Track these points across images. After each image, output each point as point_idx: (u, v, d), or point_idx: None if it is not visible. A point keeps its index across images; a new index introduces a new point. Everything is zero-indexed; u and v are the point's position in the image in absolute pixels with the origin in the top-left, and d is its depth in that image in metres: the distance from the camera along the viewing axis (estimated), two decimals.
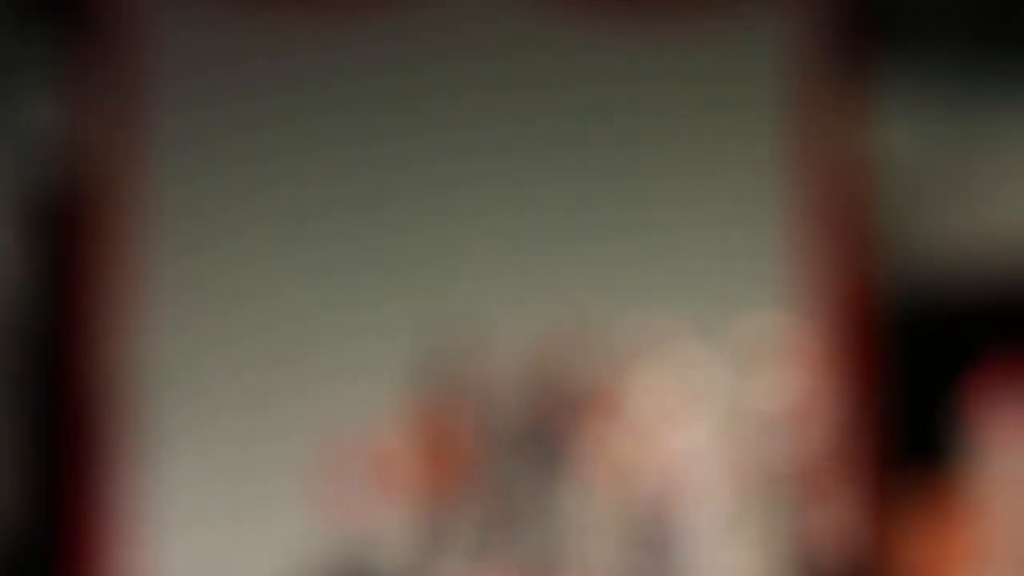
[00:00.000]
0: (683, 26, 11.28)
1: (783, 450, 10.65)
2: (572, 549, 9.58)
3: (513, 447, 9.63)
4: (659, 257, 10.87)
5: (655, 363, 9.61)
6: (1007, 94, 11.52)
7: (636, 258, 10.83)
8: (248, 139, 11.03)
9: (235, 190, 10.94)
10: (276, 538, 10.06)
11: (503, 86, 11.07)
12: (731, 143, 11.35)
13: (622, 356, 9.67)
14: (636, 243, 10.93)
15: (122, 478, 10.59)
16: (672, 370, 9.66)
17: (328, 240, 10.80)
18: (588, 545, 9.65)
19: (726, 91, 11.30)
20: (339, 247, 10.84)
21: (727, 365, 10.20)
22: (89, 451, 10.62)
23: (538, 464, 9.55)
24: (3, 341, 10.01)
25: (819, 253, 11.28)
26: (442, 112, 11.01)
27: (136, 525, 10.56)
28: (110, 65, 10.74)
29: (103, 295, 10.71)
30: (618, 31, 11.08)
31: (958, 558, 9.90)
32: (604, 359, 9.74)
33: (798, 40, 11.31)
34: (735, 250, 11.09)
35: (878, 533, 10.99)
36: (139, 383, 10.60)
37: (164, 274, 10.74)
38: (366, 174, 10.82)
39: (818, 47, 11.32)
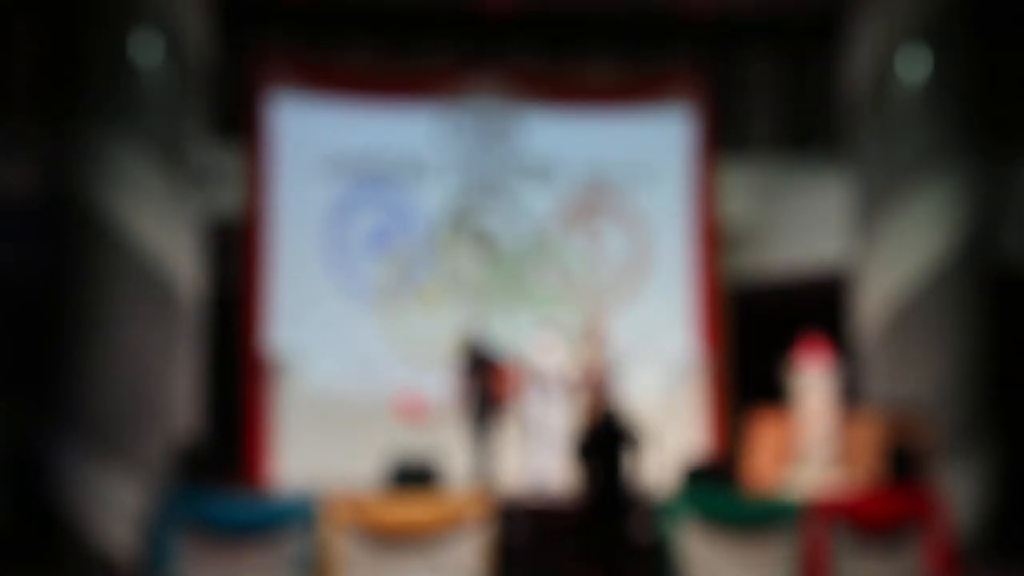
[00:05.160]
0: (624, 110, 14.94)
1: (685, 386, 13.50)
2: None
3: None
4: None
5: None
6: (807, 174, 15.00)
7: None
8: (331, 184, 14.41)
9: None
10: (367, 447, 12.81)
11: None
12: (654, 183, 14.97)
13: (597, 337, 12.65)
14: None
15: (268, 407, 13.74)
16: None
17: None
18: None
19: (649, 152, 15.00)
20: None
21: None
22: (252, 389, 13.80)
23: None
24: (199, 313, 12.30)
25: (703, 266, 14.75)
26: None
27: (273, 434, 13.72)
28: (254, 146, 14.29)
29: (252, 286, 14.08)
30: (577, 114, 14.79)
31: (785, 457, 12.00)
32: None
33: (688, 123, 14.99)
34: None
35: (734, 443, 13.66)
36: (278, 346, 13.92)
37: (284, 275, 14.14)
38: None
39: (696, 132, 14.95)
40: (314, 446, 13.87)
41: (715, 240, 14.89)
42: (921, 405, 12.29)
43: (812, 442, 11.89)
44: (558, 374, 12.09)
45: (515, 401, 12.21)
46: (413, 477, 10.84)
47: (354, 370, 14.26)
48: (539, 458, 12.12)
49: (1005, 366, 12.65)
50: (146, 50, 11.70)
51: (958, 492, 12.12)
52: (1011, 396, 12.88)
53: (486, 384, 12.23)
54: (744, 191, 15.23)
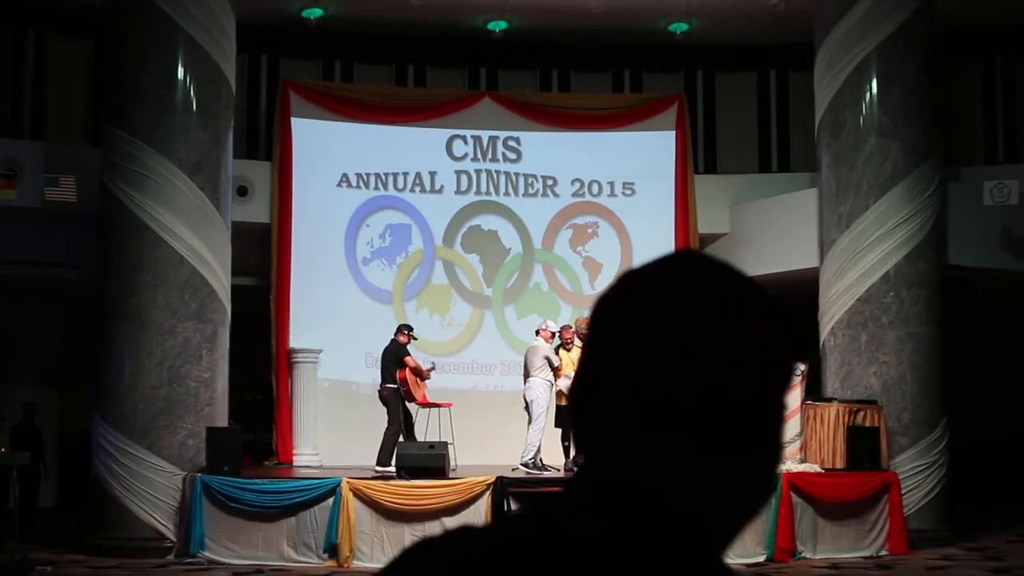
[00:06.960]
0: (612, 131, 15.98)
1: None
2: None
3: None
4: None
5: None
6: (776, 190, 15.89)
7: None
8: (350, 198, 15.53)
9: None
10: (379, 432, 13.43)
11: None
12: (645, 187, 16.02)
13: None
14: None
15: (295, 397, 14.72)
16: None
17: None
18: None
19: (642, 162, 16.04)
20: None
21: None
22: (281, 381, 14.87)
23: None
24: (232, 313, 12.93)
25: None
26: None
27: (299, 421, 14.69)
28: (283, 163, 15.38)
29: (281, 288, 15.04)
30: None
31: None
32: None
33: (669, 144, 16.06)
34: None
35: None
36: (304, 341, 14.97)
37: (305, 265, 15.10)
38: None
39: (675, 151, 16.01)
40: (336, 431, 14.72)
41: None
42: (876, 397, 13.03)
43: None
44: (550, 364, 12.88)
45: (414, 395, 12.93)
46: (422, 471, 11.72)
47: (371, 363, 14.89)
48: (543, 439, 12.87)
49: (950, 360, 13.28)
50: (188, 75, 12.56)
51: (908, 473, 12.86)
52: (955, 387, 13.52)
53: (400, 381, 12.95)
54: (719, 205, 16.10)
